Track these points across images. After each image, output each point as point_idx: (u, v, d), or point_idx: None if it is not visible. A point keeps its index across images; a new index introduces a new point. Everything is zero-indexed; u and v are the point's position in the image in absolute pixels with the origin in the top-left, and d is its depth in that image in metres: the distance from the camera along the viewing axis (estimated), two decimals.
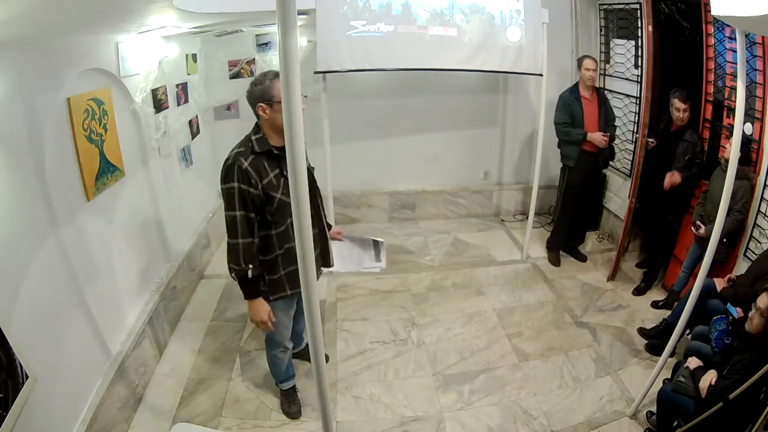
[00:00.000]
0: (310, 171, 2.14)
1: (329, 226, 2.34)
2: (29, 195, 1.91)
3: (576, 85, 3.68)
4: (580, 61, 3.65)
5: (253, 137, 1.93)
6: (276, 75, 1.85)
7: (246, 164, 1.84)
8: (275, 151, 1.90)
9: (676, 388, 2.11)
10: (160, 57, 3.19)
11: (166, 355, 2.94)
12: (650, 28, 3.09)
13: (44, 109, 1.99)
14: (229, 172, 1.85)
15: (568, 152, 3.77)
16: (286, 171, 1.82)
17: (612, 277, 3.75)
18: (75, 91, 2.21)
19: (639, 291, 3.55)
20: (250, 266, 1.91)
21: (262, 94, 1.86)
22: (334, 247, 2.37)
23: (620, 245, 3.72)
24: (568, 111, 3.66)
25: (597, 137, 3.61)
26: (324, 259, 2.28)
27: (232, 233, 1.88)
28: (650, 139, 3.32)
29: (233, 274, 1.94)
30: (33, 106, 1.91)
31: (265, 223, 1.94)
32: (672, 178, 3.20)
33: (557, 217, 4.14)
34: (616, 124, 3.86)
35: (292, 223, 1.89)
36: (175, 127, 3.51)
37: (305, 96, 1.65)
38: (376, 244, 2.44)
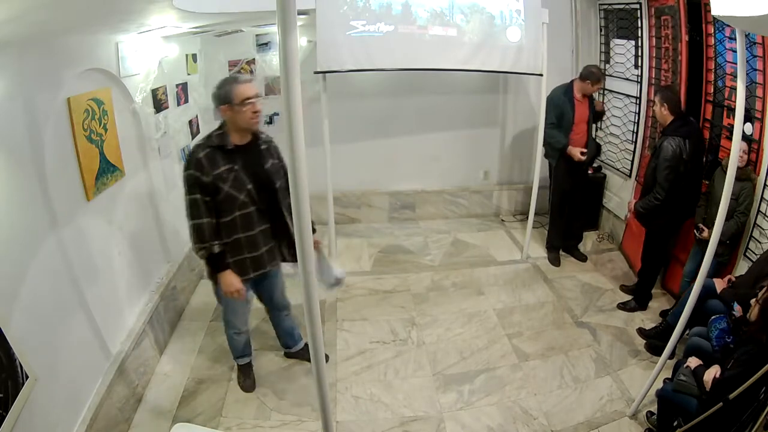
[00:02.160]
0: (272, 168, 2.24)
1: (313, 230, 2.39)
2: (29, 195, 1.91)
3: (570, 87, 3.66)
4: (596, 77, 3.54)
5: (214, 133, 2.15)
6: (235, 80, 2.09)
7: (201, 154, 2.06)
8: (229, 147, 2.09)
9: (678, 387, 2.10)
10: (160, 57, 3.19)
11: (166, 355, 2.94)
12: (686, 38, 3.13)
13: (44, 109, 1.99)
14: (188, 160, 2.09)
15: (550, 151, 3.81)
16: (237, 167, 2.09)
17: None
18: (75, 91, 2.21)
19: (630, 309, 3.39)
20: (215, 243, 2.12)
21: (225, 96, 2.07)
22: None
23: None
24: (558, 111, 3.64)
25: (576, 153, 3.64)
26: (285, 254, 2.42)
27: (195, 214, 2.09)
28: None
29: (201, 253, 2.14)
30: (33, 106, 1.91)
31: (216, 212, 2.14)
32: (629, 206, 3.16)
33: (550, 216, 4.15)
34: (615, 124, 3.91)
35: (240, 215, 2.14)
36: (175, 127, 3.51)
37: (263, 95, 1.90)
38: (338, 281, 2.49)
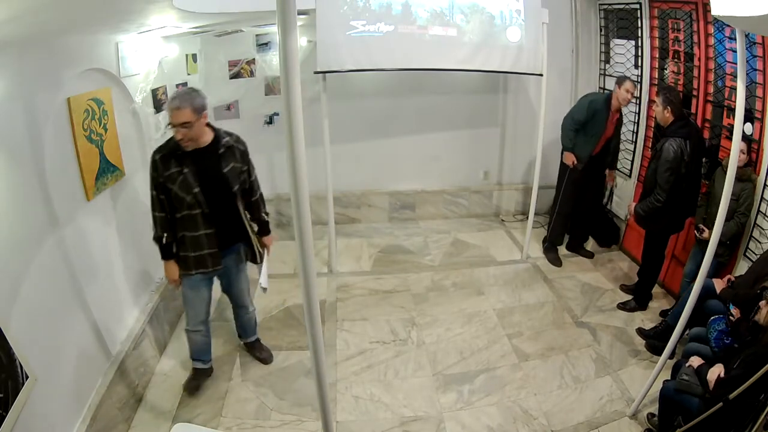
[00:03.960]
0: (230, 172, 2.29)
1: (265, 230, 2.62)
2: (29, 195, 1.91)
3: (609, 99, 3.57)
4: (621, 81, 3.48)
5: (173, 138, 2.20)
6: (168, 102, 2.15)
7: (157, 156, 2.21)
8: (179, 152, 2.19)
9: (680, 386, 2.10)
10: (160, 57, 3.19)
11: (166, 355, 2.94)
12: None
13: (44, 109, 1.99)
14: (150, 161, 2.23)
15: (579, 151, 3.72)
16: (187, 170, 2.18)
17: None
18: (75, 91, 2.21)
19: (630, 309, 3.38)
20: (165, 234, 2.30)
21: (202, 104, 2.15)
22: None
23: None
24: (590, 115, 3.57)
25: (569, 158, 3.72)
26: (243, 254, 2.56)
27: (152, 207, 2.29)
28: None
29: (154, 241, 2.33)
30: (33, 106, 1.91)
31: (170, 208, 2.28)
32: (629, 209, 3.06)
33: (555, 212, 4.04)
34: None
35: (186, 216, 2.24)
36: None
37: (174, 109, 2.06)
38: (263, 290, 2.55)
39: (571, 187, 3.85)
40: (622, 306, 3.39)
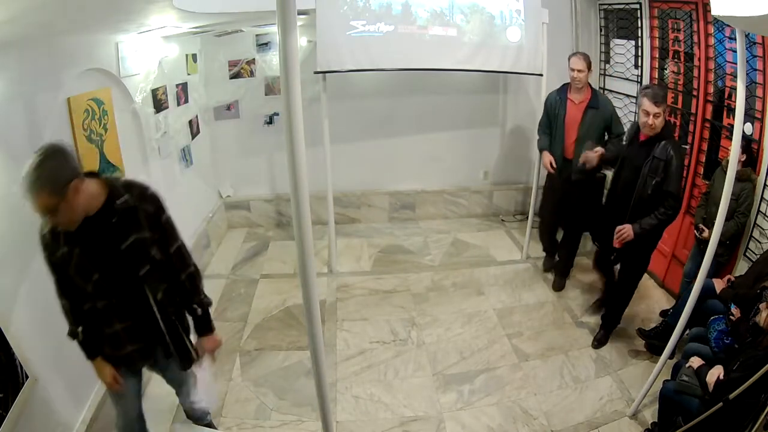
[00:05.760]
0: (132, 248, 1.58)
1: (206, 329, 1.86)
2: None
3: (566, 85, 3.35)
4: (569, 59, 3.26)
5: None
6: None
7: (44, 232, 1.55)
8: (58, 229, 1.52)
9: (680, 387, 2.10)
10: (160, 57, 3.19)
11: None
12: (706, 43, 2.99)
13: (44, 109, 1.99)
14: (39, 236, 1.58)
15: (552, 152, 3.46)
16: (78, 250, 1.51)
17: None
18: (75, 91, 2.21)
19: (599, 342, 3.03)
20: (78, 328, 1.68)
21: (67, 176, 1.43)
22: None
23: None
24: (550, 113, 3.37)
25: (546, 160, 3.38)
26: (160, 354, 1.80)
27: (57, 292, 1.66)
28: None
29: (69, 336, 1.71)
30: (33, 106, 1.91)
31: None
32: (621, 233, 2.56)
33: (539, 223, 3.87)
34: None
35: (92, 308, 1.61)
36: (175, 127, 3.51)
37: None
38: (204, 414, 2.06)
39: (549, 192, 3.64)
40: (597, 344, 3.01)
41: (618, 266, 2.98)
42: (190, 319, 1.81)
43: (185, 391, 1.97)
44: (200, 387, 1.93)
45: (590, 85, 3.31)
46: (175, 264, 1.71)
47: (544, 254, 4.08)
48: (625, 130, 3.23)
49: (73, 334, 1.70)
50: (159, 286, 1.67)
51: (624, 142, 2.83)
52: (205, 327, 1.85)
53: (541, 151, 3.50)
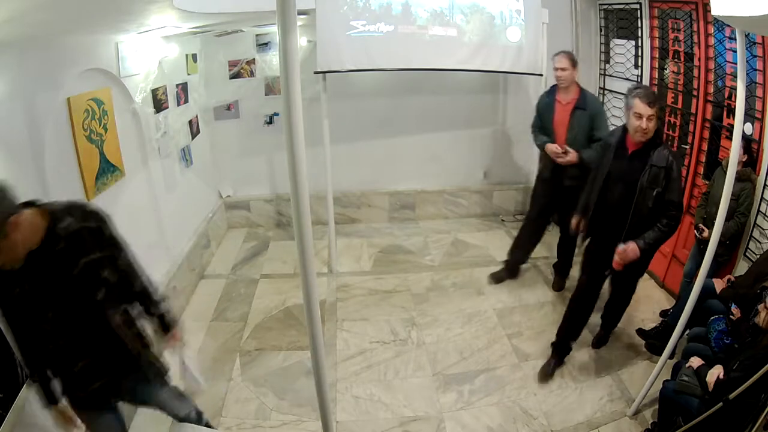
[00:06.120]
0: (84, 275, 1.45)
1: (167, 327, 1.78)
2: (29, 195, 1.90)
3: (555, 86, 3.25)
4: (552, 59, 3.19)
5: None
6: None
7: None
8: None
9: (680, 387, 2.10)
10: (160, 57, 3.19)
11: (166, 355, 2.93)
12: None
13: (44, 109, 1.99)
14: None
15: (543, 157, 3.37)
16: (29, 286, 1.37)
17: None
18: (75, 91, 2.21)
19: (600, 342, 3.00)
20: (38, 371, 1.56)
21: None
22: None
23: None
24: (541, 114, 3.31)
25: (553, 149, 3.14)
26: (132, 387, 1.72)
27: (11, 343, 1.55)
28: None
29: (31, 380, 1.60)
30: (33, 106, 1.91)
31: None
32: (626, 254, 2.34)
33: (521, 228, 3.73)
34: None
35: (54, 348, 1.48)
36: (175, 127, 3.51)
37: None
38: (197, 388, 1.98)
39: (535, 193, 3.57)
40: (596, 344, 2.96)
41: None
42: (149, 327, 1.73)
43: (171, 407, 1.89)
44: (193, 370, 1.92)
45: (578, 84, 3.21)
46: (129, 277, 1.61)
47: (531, 256, 3.81)
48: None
49: (33, 378, 1.57)
50: (118, 308, 1.58)
51: (597, 152, 2.69)
52: (168, 324, 1.79)
53: (542, 145, 3.29)
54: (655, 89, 3.60)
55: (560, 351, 2.82)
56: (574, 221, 2.75)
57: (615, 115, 4.21)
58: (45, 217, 1.41)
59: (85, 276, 1.45)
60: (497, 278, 3.74)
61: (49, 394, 1.57)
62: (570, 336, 2.81)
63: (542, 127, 3.32)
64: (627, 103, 2.30)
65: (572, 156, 3.07)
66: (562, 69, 3.10)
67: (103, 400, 1.66)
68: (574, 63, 3.12)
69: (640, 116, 2.23)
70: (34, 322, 1.44)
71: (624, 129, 2.40)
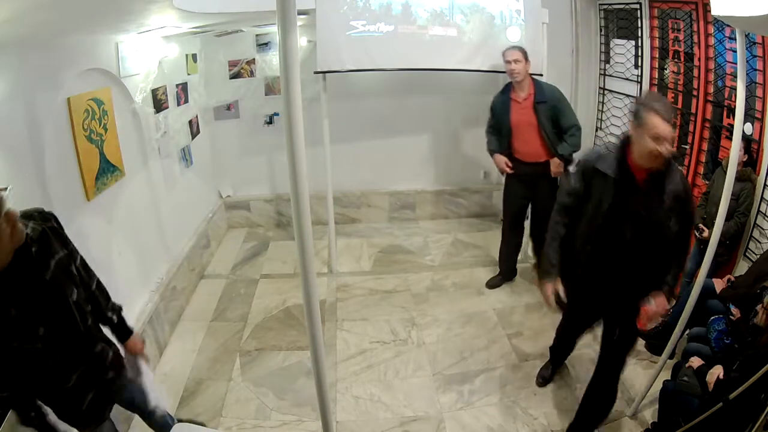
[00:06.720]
0: (58, 279, 1.37)
1: (126, 333, 1.72)
2: (29, 195, 1.90)
3: (509, 85, 3.17)
4: (503, 55, 3.10)
5: None
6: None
7: None
8: None
9: (680, 387, 2.10)
10: (160, 57, 3.19)
11: (166, 355, 2.94)
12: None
13: (44, 109, 1.99)
14: None
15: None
16: (13, 311, 1.24)
17: None
18: (75, 91, 2.21)
19: None
20: (24, 401, 1.45)
21: None
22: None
23: None
24: (496, 115, 3.25)
25: (501, 162, 3.20)
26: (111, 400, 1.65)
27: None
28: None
29: (15, 414, 1.47)
30: (33, 106, 1.91)
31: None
32: (656, 312, 1.84)
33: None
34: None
35: (45, 367, 1.36)
36: (175, 127, 3.51)
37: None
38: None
39: (506, 197, 3.49)
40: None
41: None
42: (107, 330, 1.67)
43: (139, 404, 1.83)
44: (149, 390, 1.80)
45: (531, 77, 3.13)
46: (85, 277, 1.56)
47: (531, 256, 3.81)
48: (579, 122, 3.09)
49: (30, 422, 1.44)
50: (87, 308, 1.50)
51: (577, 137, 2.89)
52: (125, 331, 1.72)
53: (491, 153, 3.31)
54: (655, 89, 3.61)
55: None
56: (548, 292, 2.02)
57: (615, 116, 4.22)
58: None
59: (60, 277, 1.39)
60: (493, 285, 3.73)
61: (52, 429, 1.48)
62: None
63: (498, 128, 3.28)
64: (638, 118, 1.70)
65: (556, 167, 3.13)
66: (516, 61, 3.00)
67: (100, 410, 1.60)
68: (526, 56, 3.04)
69: (660, 139, 1.64)
70: (24, 348, 1.30)
71: (622, 151, 1.80)
